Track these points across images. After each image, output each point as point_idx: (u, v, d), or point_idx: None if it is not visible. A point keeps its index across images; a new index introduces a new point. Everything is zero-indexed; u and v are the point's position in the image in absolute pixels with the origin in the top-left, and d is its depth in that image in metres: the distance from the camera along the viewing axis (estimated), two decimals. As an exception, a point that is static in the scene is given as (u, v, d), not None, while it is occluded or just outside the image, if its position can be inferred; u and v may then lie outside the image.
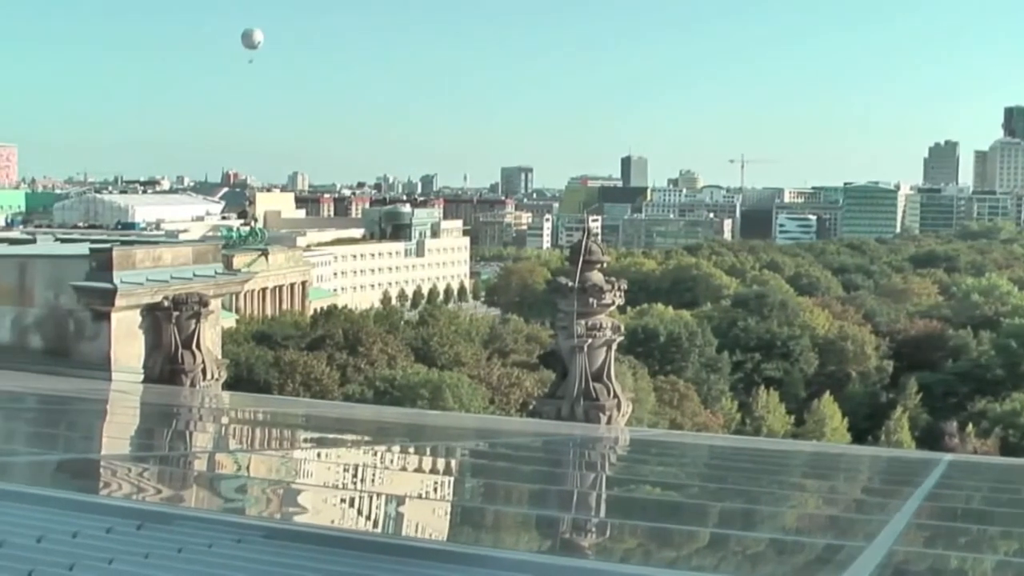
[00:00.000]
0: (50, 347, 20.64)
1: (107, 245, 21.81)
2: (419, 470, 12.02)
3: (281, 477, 9.96)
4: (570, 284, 20.99)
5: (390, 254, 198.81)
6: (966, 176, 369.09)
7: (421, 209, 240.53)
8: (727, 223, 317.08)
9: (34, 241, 30.51)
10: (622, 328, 22.35)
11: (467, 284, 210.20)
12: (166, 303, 20.67)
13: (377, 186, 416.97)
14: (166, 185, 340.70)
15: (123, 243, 23.58)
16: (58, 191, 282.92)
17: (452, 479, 11.19)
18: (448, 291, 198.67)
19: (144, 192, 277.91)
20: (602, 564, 6.06)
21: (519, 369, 75.10)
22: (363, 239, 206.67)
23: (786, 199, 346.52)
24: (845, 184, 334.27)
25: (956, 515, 10.30)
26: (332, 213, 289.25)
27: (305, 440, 15.61)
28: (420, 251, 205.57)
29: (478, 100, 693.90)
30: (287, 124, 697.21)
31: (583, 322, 20.94)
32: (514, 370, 75.02)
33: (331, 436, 16.42)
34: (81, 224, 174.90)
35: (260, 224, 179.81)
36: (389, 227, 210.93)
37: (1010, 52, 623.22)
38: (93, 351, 20.24)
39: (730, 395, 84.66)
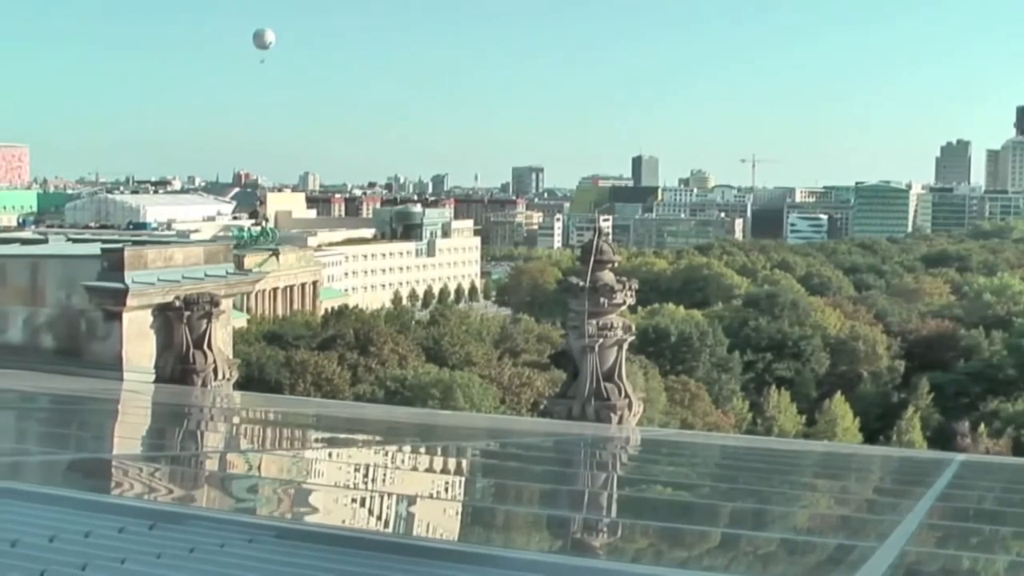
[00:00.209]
0: (62, 347, 20.66)
1: (119, 245, 21.81)
2: (430, 470, 12.01)
3: (292, 477, 9.96)
4: (581, 284, 20.93)
5: (401, 254, 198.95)
6: (978, 175, 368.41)
7: (432, 209, 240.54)
8: (738, 223, 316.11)
9: (46, 241, 30.51)
10: (633, 328, 22.27)
11: (478, 284, 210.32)
12: (178, 303, 20.66)
13: (388, 186, 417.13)
14: (177, 185, 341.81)
15: (135, 243, 23.59)
16: (70, 191, 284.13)
17: (463, 479, 11.19)
18: (459, 291, 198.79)
19: (155, 192, 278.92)
20: (613, 564, 6.05)
21: (530, 369, 75.10)
22: (374, 239, 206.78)
23: (797, 199, 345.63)
24: (857, 183, 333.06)
25: (968, 515, 10.27)
26: (343, 213, 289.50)
27: (316, 440, 15.61)
28: (431, 251, 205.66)
29: (489, 100, 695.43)
30: (298, 125, 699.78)
31: (594, 322, 20.88)
32: (525, 370, 75.03)
33: (342, 436, 16.42)
34: (93, 224, 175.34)
35: (271, 224, 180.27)
36: (400, 227, 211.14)
37: (1023, 51, 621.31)
38: (105, 351, 20.24)
39: (741, 395, 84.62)
